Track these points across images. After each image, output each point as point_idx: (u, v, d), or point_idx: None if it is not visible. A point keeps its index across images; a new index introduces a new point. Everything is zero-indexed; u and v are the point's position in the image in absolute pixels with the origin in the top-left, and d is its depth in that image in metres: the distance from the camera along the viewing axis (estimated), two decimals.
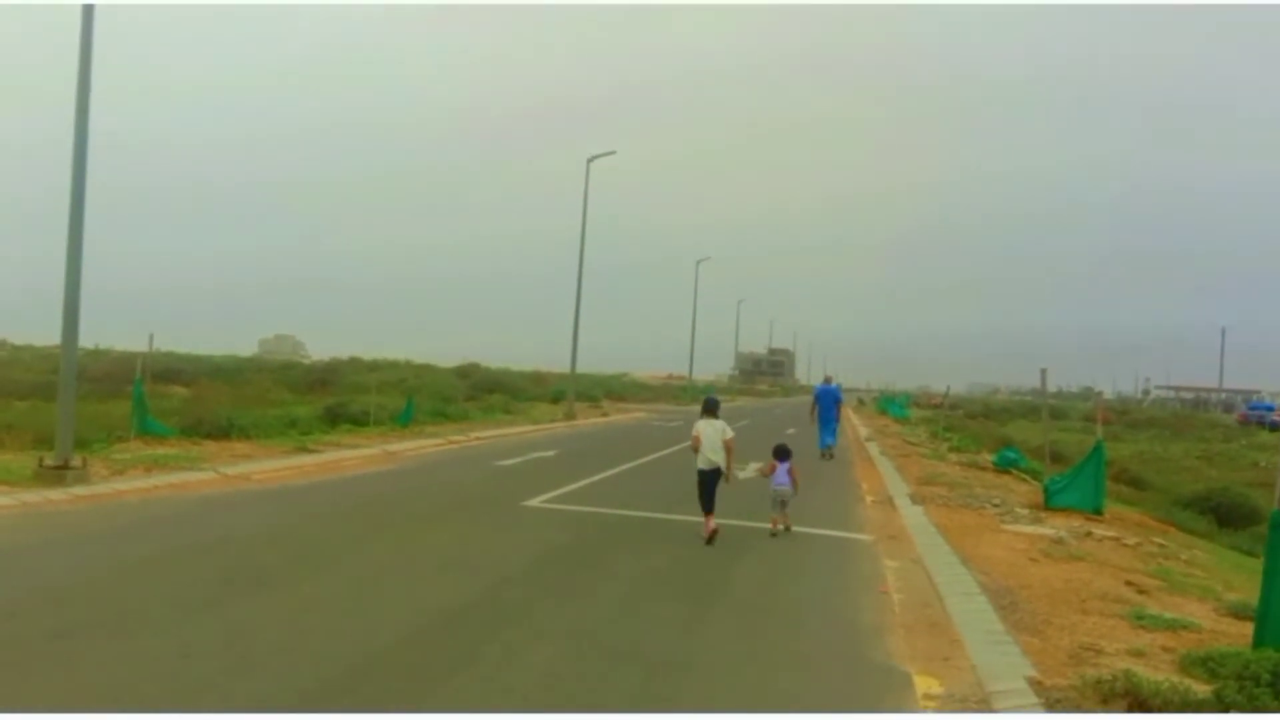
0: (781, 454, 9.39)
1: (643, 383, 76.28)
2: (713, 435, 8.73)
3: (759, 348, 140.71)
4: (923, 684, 4.70)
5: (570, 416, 28.13)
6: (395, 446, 15.60)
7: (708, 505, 8.60)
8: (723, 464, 8.72)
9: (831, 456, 18.19)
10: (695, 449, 8.86)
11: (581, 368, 35.44)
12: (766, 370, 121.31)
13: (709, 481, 8.65)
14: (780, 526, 9.10)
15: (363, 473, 12.44)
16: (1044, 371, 12.64)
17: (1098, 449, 10.75)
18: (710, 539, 8.40)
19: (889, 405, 45.93)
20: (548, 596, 6.06)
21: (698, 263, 55.98)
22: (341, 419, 18.42)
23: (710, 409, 8.92)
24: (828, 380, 20.69)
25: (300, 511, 9.07)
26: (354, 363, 43.04)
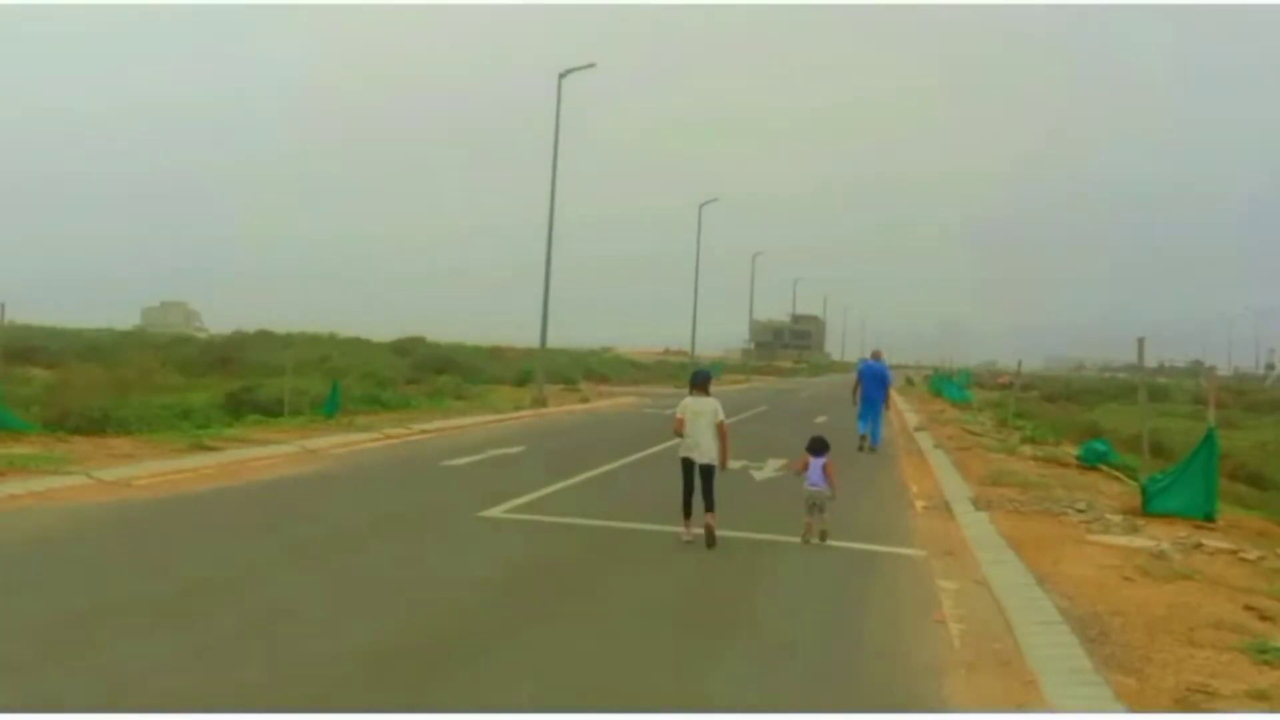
0: (817, 447, 9.55)
1: (633, 360, 76.33)
2: (702, 417, 9.01)
3: (780, 315, 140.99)
4: None
5: (540, 403, 28.16)
6: (317, 443, 15.61)
7: (707, 503, 8.95)
8: (714, 454, 9.01)
9: (874, 449, 18.60)
10: (679, 433, 9.16)
11: (555, 342, 35.42)
12: (790, 342, 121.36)
13: (694, 474, 9.04)
14: (814, 536, 9.33)
15: (276, 477, 12.45)
16: (1141, 342, 12.64)
17: (1209, 439, 10.79)
18: (709, 538, 8.82)
19: (944, 386, 46.10)
20: (511, 633, 6.08)
21: (700, 206, 55.99)
22: (248, 408, 18.43)
23: (700, 384, 9.20)
24: (875, 356, 21.07)
25: (195, 527, 9.06)
26: (263, 337, 42.65)
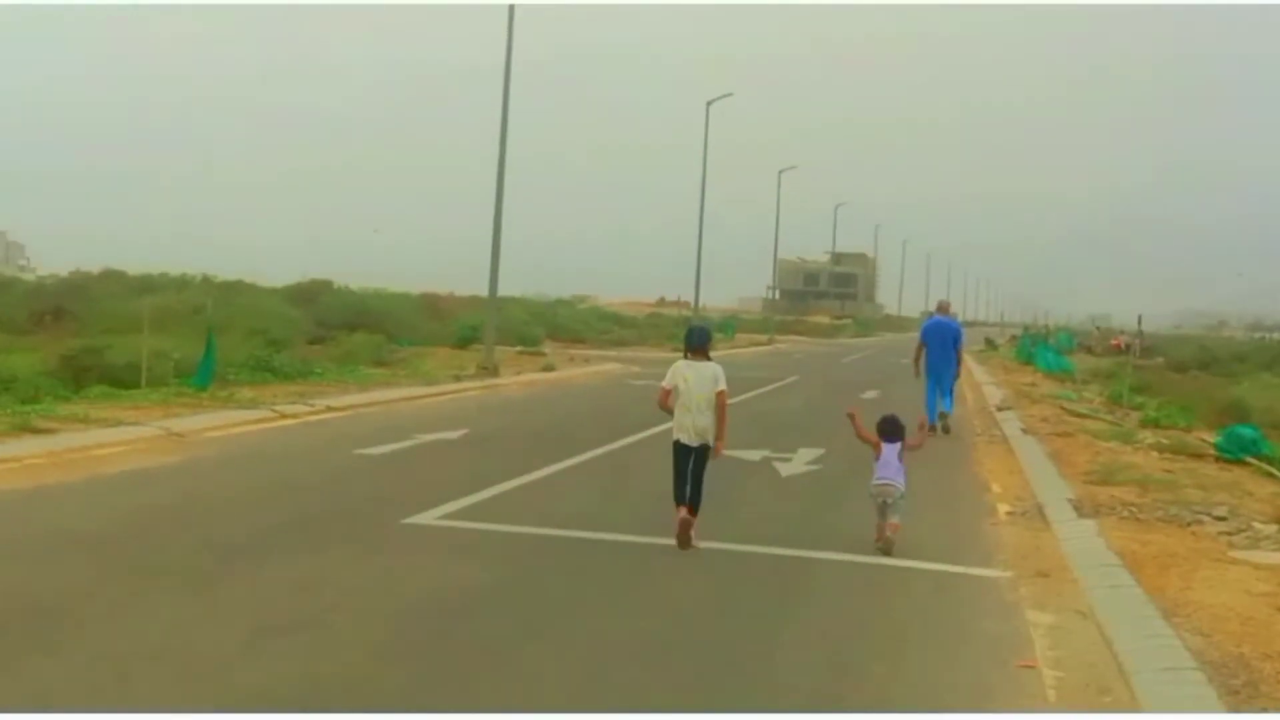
0: (890, 429, 9.99)
1: (616, 313, 76.17)
2: (698, 387, 9.43)
3: (816, 254, 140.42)
4: None
5: (489, 371, 28.12)
6: (186, 424, 15.56)
7: (692, 495, 9.48)
8: (710, 433, 9.44)
9: (948, 430, 19.19)
10: (664, 406, 9.62)
11: (514, 290, 35.25)
12: (828, 290, 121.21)
13: (688, 461, 9.51)
14: (888, 539, 9.67)
15: (130, 469, 12.43)
16: None
17: None
18: (682, 538, 9.30)
19: (1037, 351, 46.11)
20: (447, 684, 6.07)
21: (708, 104, 55.66)
22: (93, 376, 18.33)
23: (697, 345, 9.62)
24: (943, 310, 21.60)
25: (18, 540, 9.00)
26: (111, 280, 42.20)
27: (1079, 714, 5.24)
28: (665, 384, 9.52)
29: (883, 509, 9.73)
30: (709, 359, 9.57)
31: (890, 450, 9.84)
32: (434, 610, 7.52)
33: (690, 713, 5.29)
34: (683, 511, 9.44)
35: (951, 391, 20.01)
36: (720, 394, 9.41)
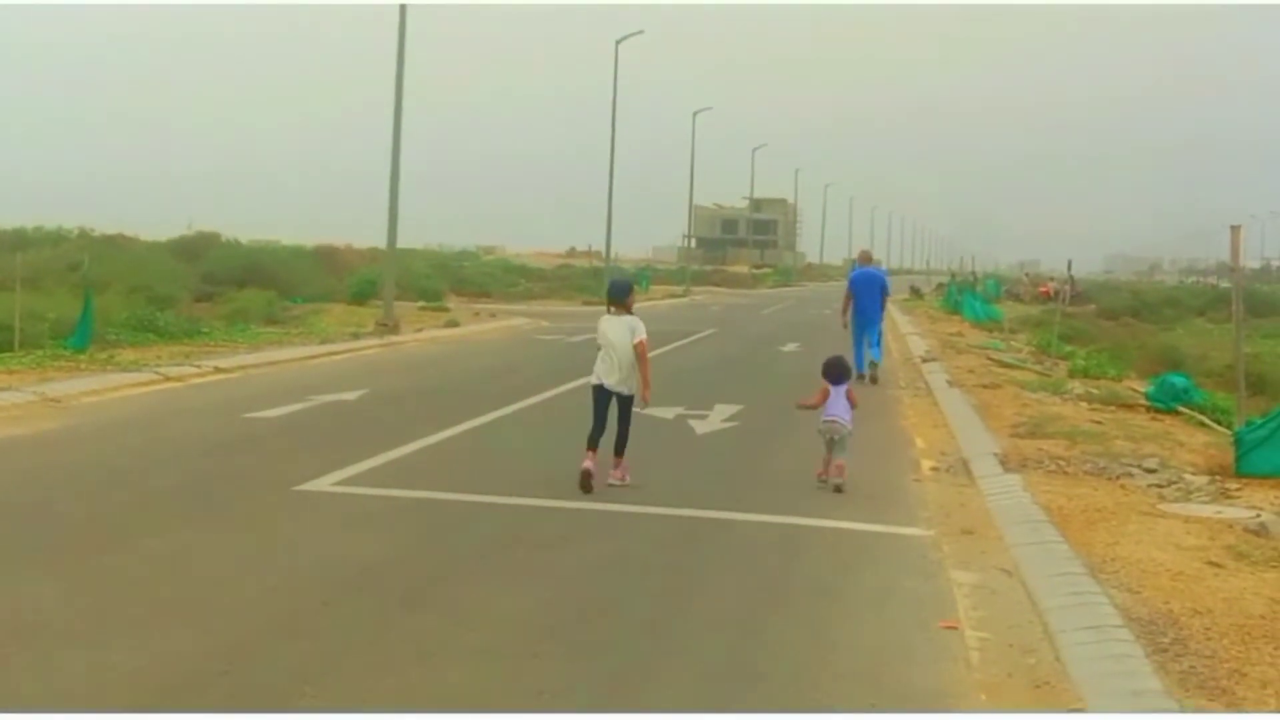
0: (836, 372, 10.81)
1: (524, 265, 76.04)
2: (617, 340, 10.19)
3: (735, 200, 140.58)
4: None
5: (389, 329, 27.84)
6: (61, 388, 15.33)
7: (618, 444, 10.25)
8: (632, 382, 10.22)
9: (875, 380, 19.92)
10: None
11: (414, 241, 34.77)
12: (747, 238, 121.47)
13: (607, 404, 10.25)
14: (835, 478, 10.44)
15: (1, 437, 12.26)
16: (1236, 232, 12.68)
17: None
18: (585, 484, 9.90)
19: (965, 300, 46.48)
20: (339, 665, 6.03)
21: (617, 43, 55.32)
22: None
23: (617, 297, 10.50)
24: (865, 259, 22.52)
25: None
26: None
27: (1080, 714, 5.26)
28: (599, 338, 10.38)
29: (830, 445, 10.47)
30: (630, 312, 10.31)
31: (837, 391, 10.59)
32: (322, 584, 7.43)
33: (690, 713, 5.29)
34: (589, 458, 10.06)
35: (880, 338, 20.68)
36: (639, 344, 10.09)
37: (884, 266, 22.29)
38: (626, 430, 10.29)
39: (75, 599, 6.93)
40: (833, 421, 10.47)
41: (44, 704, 5.41)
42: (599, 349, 10.36)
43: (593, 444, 10.14)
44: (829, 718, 5.42)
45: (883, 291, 20.72)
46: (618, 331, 10.15)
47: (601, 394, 10.19)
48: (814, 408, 10.87)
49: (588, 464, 10.01)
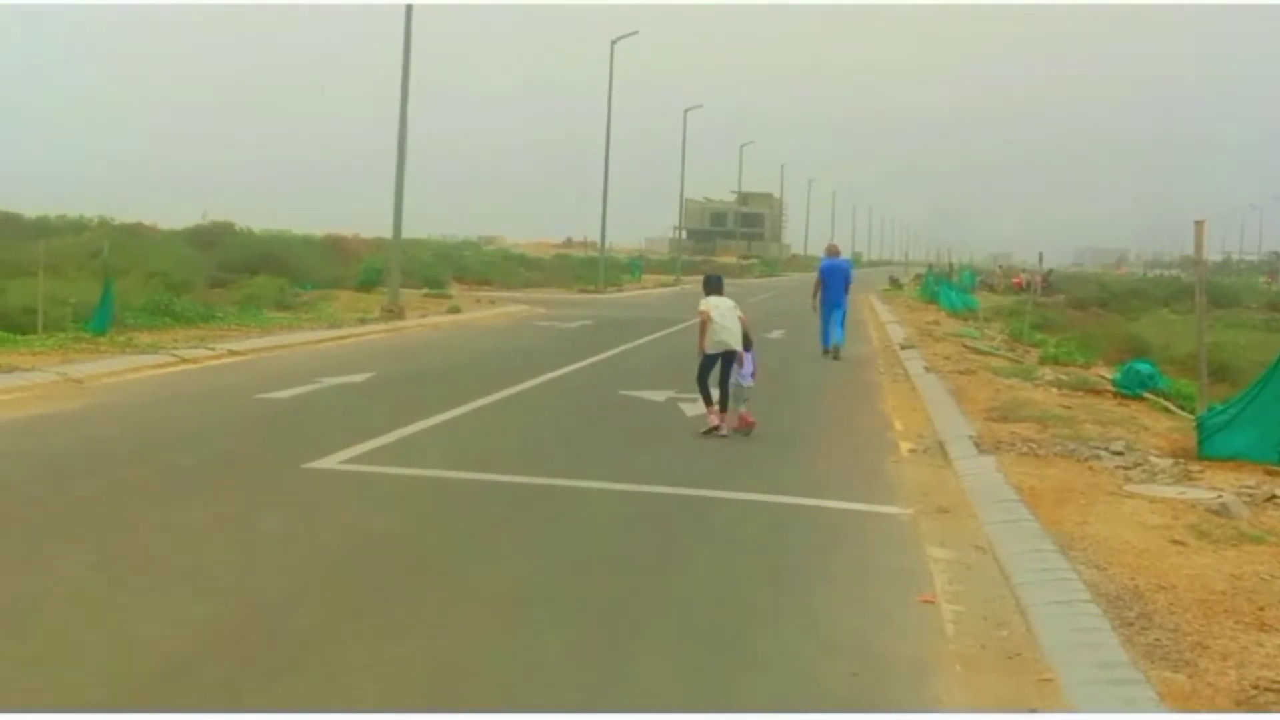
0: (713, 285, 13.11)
1: (523, 255, 75.79)
2: (727, 313, 12.64)
3: (723, 194, 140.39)
4: None
5: (394, 314, 27.88)
6: (83, 369, 15.32)
7: (711, 396, 12.43)
8: (738, 344, 12.41)
9: (838, 357, 22.05)
10: (703, 324, 12.57)
11: (419, 231, 34.82)
12: (735, 230, 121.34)
13: (714, 366, 12.49)
14: (727, 426, 12.06)
15: (27, 415, 12.27)
16: (1200, 227, 12.75)
17: None
18: (719, 428, 12.21)
19: (941, 290, 46.56)
20: (347, 633, 6.05)
21: (613, 43, 55.14)
22: None
23: (716, 287, 13.01)
24: (832, 252, 24.77)
25: None
26: (5, 222, 41.31)
27: (1079, 714, 5.22)
28: (702, 308, 12.66)
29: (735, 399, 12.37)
30: (723, 295, 12.93)
31: (748, 357, 12.44)
32: (331, 557, 7.46)
33: (690, 713, 5.13)
34: (714, 411, 12.32)
35: (843, 321, 22.78)
36: (742, 318, 12.71)
37: (848, 258, 24.40)
38: (729, 387, 12.39)
39: (96, 569, 6.94)
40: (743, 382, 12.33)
41: (67, 667, 5.44)
42: (702, 313, 12.48)
43: (709, 400, 12.41)
44: (829, 718, 5.21)
45: (846, 279, 23.25)
46: (727, 308, 12.62)
47: (710, 360, 12.42)
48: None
49: (725, 430, 12.09)
